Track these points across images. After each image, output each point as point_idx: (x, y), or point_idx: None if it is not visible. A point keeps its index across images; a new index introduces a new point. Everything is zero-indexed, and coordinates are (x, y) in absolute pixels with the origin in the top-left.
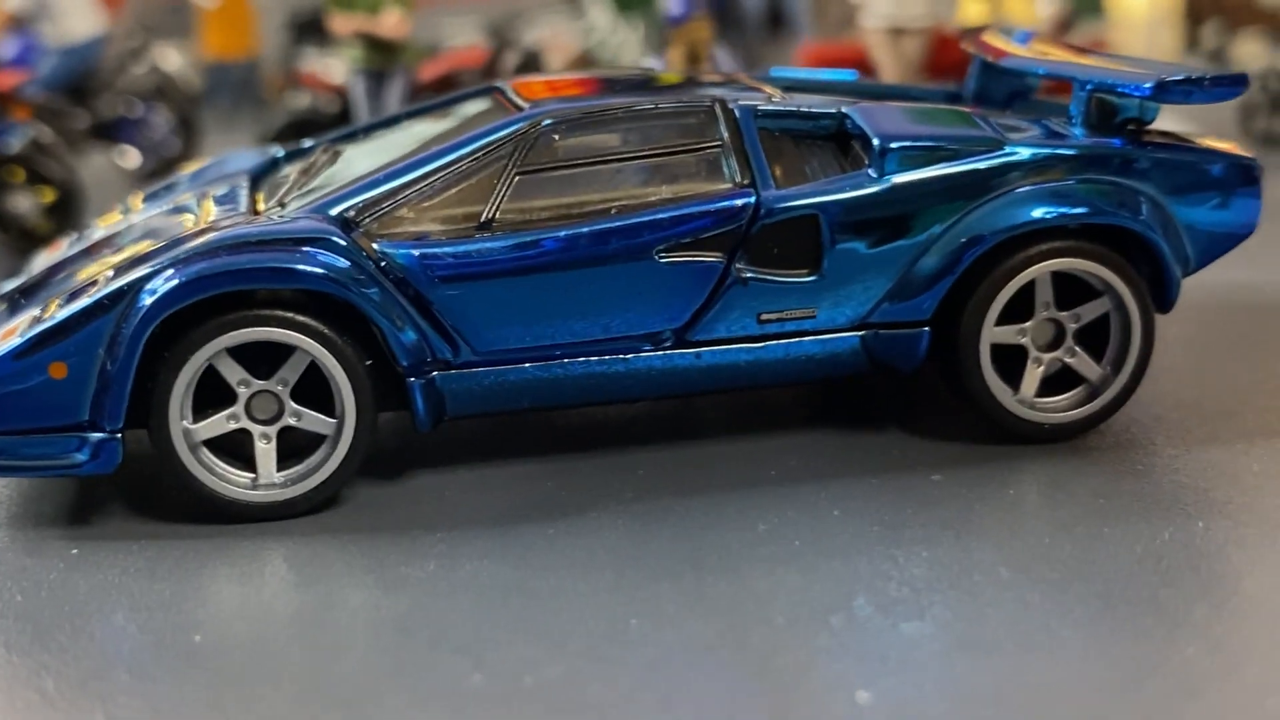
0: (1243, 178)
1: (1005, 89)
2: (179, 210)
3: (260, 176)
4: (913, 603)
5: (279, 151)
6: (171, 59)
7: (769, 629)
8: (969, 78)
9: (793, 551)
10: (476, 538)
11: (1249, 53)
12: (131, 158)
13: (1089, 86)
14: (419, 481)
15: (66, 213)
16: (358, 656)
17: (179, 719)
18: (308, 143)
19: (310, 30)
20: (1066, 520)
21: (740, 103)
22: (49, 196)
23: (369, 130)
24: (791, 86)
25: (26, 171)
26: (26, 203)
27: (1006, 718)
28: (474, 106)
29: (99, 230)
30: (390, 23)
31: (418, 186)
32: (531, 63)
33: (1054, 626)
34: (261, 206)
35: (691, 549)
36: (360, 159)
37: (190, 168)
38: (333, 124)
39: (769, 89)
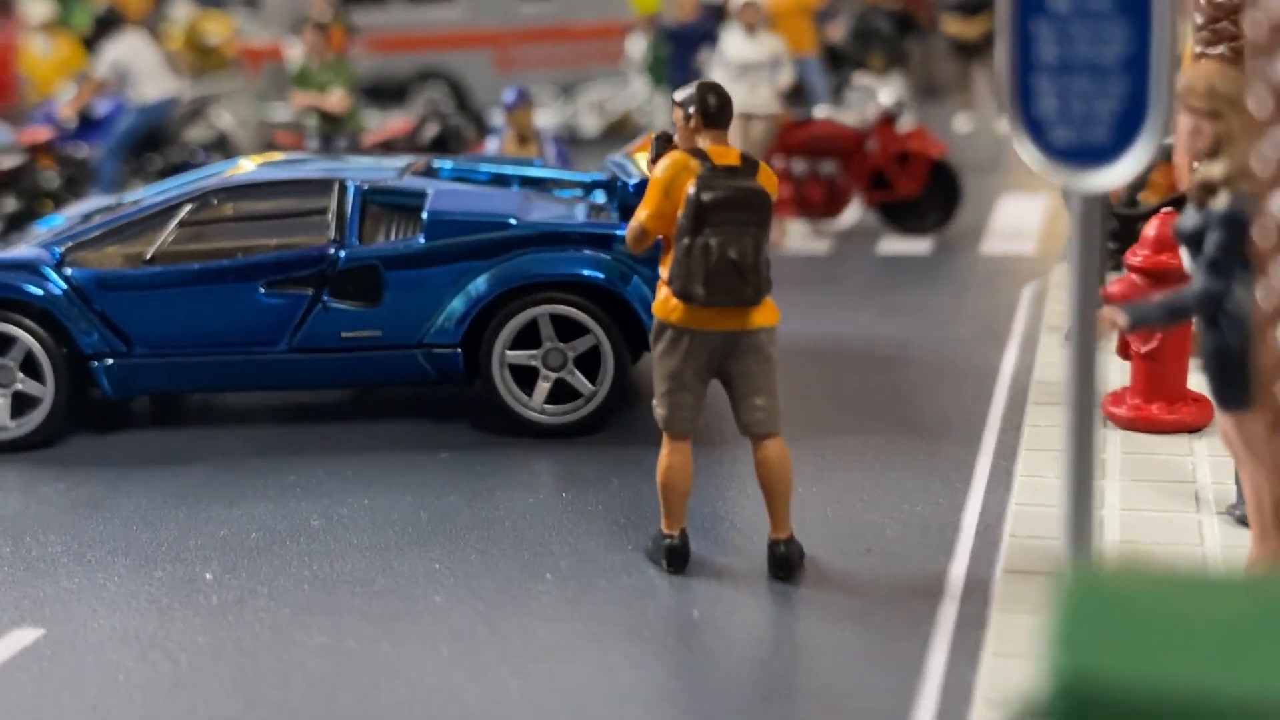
0: None
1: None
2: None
3: (88, 217)
4: (338, 528)
5: (105, 202)
6: (225, 118)
7: (225, 540)
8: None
9: (283, 486)
10: (124, 471)
11: None
12: None
13: (619, 184)
14: (126, 436)
15: None
16: None
17: None
18: (124, 197)
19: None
20: (485, 483)
21: (354, 182)
22: None
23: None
24: (460, 172)
25: (55, 204)
26: None
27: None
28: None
29: None
30: (335, 99)
31: (110, 231)
32: (448, 133)
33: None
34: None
35: (239, 484)
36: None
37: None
38: None
39: (408, 171)
